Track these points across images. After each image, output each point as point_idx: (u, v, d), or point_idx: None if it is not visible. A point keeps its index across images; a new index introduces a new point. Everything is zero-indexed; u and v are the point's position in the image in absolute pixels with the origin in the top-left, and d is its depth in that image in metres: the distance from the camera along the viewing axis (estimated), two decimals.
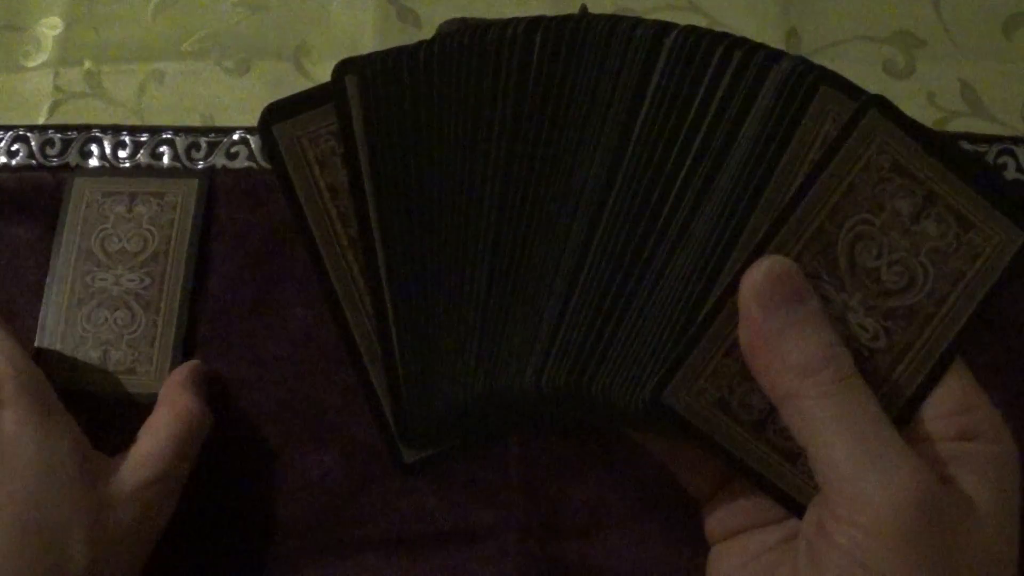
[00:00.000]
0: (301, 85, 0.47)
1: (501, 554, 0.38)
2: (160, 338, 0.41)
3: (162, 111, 0.47)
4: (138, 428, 0.36)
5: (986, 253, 0.25)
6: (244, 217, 0.43)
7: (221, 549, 0.39)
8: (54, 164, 0.45)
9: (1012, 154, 0.44)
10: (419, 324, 0.28)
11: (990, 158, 0.44)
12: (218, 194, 0.44)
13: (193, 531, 0.38)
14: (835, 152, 0.25)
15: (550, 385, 0.26)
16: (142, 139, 0.45)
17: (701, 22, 0.47)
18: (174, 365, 0.40)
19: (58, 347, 0.41)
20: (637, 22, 0.27)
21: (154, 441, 0.35)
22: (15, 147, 0.46)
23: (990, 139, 0.44)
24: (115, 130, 0.46)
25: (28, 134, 0.46)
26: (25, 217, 0.44)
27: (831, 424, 0.24)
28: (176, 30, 0.48)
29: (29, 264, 0.43)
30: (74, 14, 0.49)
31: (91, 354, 0.41)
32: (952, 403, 0.26)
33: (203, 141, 0.45)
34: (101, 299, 0.42)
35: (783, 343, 0.25)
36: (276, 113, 0.27)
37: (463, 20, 0.44)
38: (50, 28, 0.49)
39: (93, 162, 0.45)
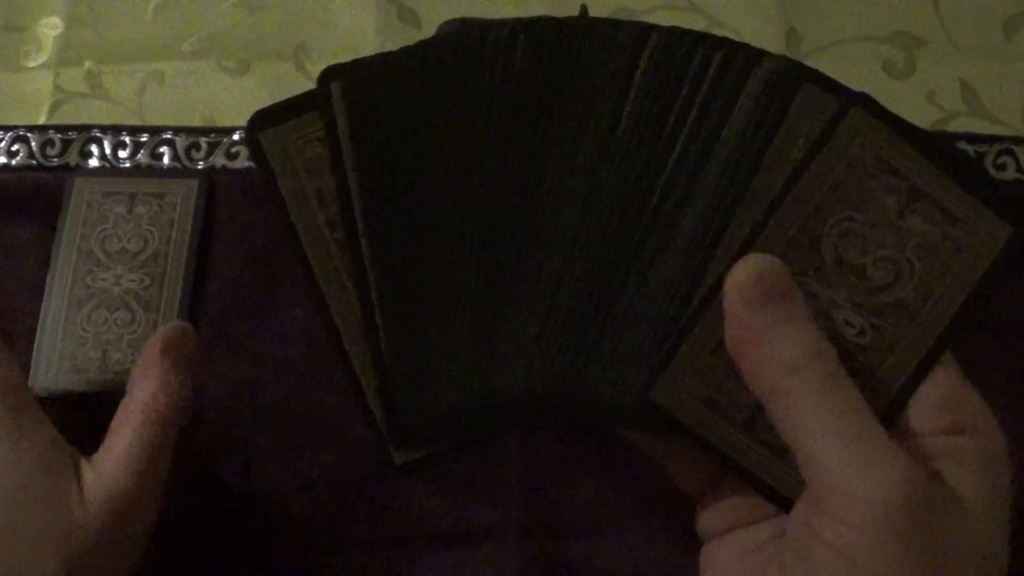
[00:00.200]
0: (301, 85, 0.47)
1: (501, 554, 0.38)
2: None
3: (162, 111, 0.47)
4: None
5: (973, 248, 0.25)
6: (244, 217, 0.43)
7: (221, 549, 0.39)
8: (54, 164, 0.45)
9: (1012, 154, 0.44)
10: (408, 326, 0.28)
11: (990, 158, 0.44)
12: (218, 194, 0.44)
13: (193, 531, 0.38)
14: (819, 150, 0.25)
15: (539, 384, 0.26)
16: (142, 139, 0.45)
17: (701, 22, 0.47)
18: None
19: (58, 347, 0.41)
20: (619, 24, 0.27)
21: (123, 441, 0.32)
22: (15, 147, 0.46)
23: (990, 139, 0.44)
24: (115, 130, 0.46)
25: (28, 134, 0.46)
26: (25, 217, 0.44)
27: (817, 421, 0.24)
28: (176, 30, 0.48)
29: (29, 264, 0.43)
30: (74, 14, 0.49)
31: (91, 354, 0.41)
32: (940, 397, 0.26)
33: (203, 141, 0.45)
34: (101, 299, 0.42)
35: (768, 340, 0.25)
36: (263, 120, 0.27)
37: (463, 20, 0.44)
38: (50, 28, 0.49)
39: (93, 162, 0.45)
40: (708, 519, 0.30)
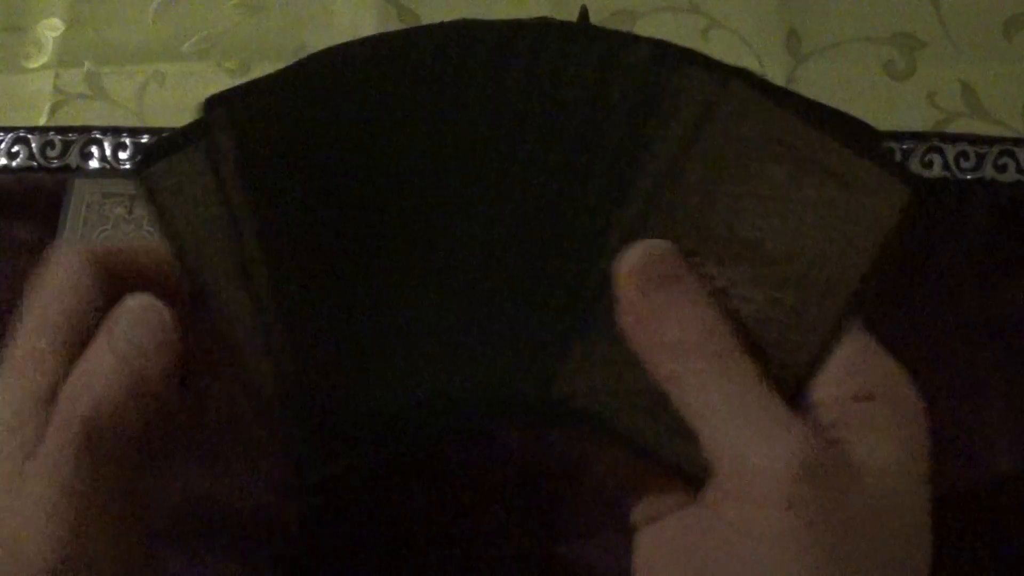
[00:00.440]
0: None
1: (501, 554, 0.38)
2: None
3: (163, 112, 0.47)
4: None
5: (871, 212, 0.25)
6: None
7: (220, 549, 0.39)
8: (54, 166, 0.45)
9: (1012, 155, 0.44)
10: (311, 350, 0.27)
11: (990, 159, 0.44)
12: None
13: (191, 531, 0.38)
14: (701, 128, 0.25)
15: (448, 385, 0.26)
16: (142, 140, 0.45)
17: (701, 22, 0.47)
18: None
19: None
20: (489, 25, 0.26)
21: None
22: (15, 149, 0.46)
23: (990, 140, 0.44)
24: (115, 132, 0.46)
25: (28, 136, 0.46)
26: (25, 219, 0.44)
27: (713, 402, 0.24)
28: (176, 31, 0.48)
29: (29, 265, 0.43)
30: (75, 15, 0.49)
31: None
32: (848, 365, 0.26)
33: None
34: None
35: (660, 325, 0.25)
36: (150, 156, 0.26)
37: (463, 20, 0.44)
38: (51, 29, 0.49)
39: (93, 164, 0.45)
40: (638, 508, 0.29)
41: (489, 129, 0.27)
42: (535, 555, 0.38)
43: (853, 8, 0.48)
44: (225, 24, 0.49)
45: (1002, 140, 0.44)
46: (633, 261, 0.25)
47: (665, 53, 0.26)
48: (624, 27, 0.47)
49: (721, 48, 0.47)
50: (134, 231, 0.43)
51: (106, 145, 0.45)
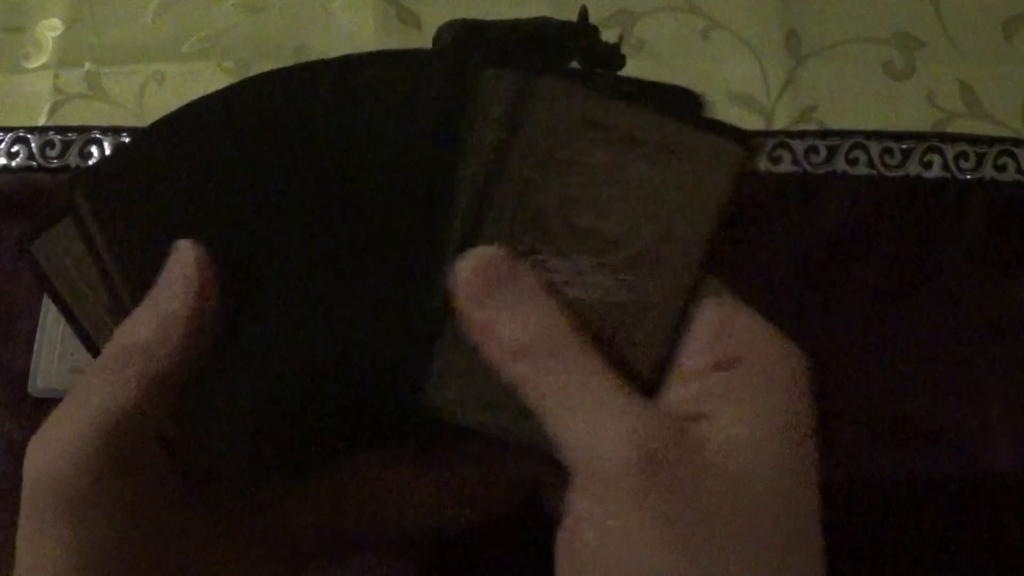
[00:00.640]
0: None
1: (501, 554, 0.38)
2: None
3: (162, 112, 0.46)
4: None
5: (704, 176, 0.24)
6: None
7: None
8: (54, 166, 0.45)
9: (1012, 155, 0.44)
10: (199, 398, 0.27)
11: (990, 159, 0.44)
12: None
13: None
14: (516, 128, 0.25)
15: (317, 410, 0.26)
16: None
17: (700, 22, 0.47)
18: None
19: (58, 348, 0.41)
20: (291, 71, 0.27)
21: None
22: (15, 149, 0.46)
23: (990, 140, 0.44)
24: (115, 132, 0.46)
25: (28, 136, 0.46)
26: (25, 219, 0.44)
27: (556, 399, 0.24)
28: (176, 31, 0.48)
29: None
30: (74, 15, 0.49)
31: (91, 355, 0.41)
32: (710, 332, 0.25)
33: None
34: None
35: (498, 330, 0.25)
36: (33, 231, 0.27)
37: (463, 21, 0.44)
38: (50, 29, 0.49)
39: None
40: (551, 505, 0.29)
41: (329, 164, 0.27)
42: (536, 555, 0.38)
43: (853, 8, 0.48)
44: (225, 24, 0.49)
45: (1002, 140, 0.44)
46: (462, 273, 0.25)
47: (466, 62, 0.26)
48: (624, 27, 0.47)
49: (721, 48, 0.47)
50: None
51: (106, 145, 0.45)
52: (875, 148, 0.44)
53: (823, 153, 0.44)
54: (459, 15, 0.44)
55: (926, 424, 0.40)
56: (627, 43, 0.46)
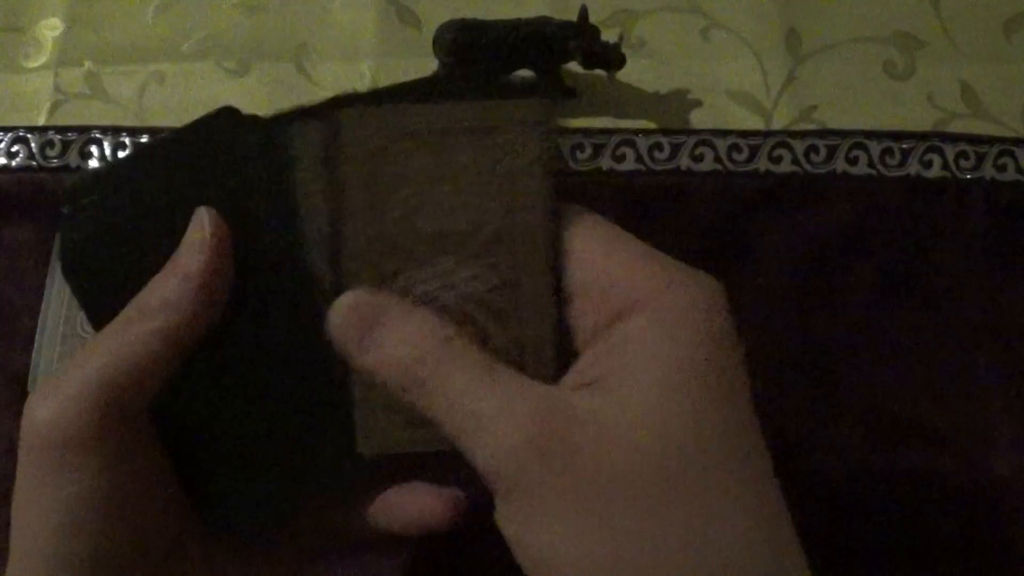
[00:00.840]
0: (301, 86, 0.47)
1: (502, 553, 0.38)
2: None
3: (162, 112, 0.47)
4: None
5: (521, 139, 0.25)
6: None
7: None
8: (54, 165, 0.45)
9: (1012, 155, 0.44)
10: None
11: (990, 159, 0.44)
12: None
13: None
14: (336, 166, 0.25)
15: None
16: (142, 140, 0.45)
17: (701, 22, 0.47)
18: None
19: (57, 349, 0.41)
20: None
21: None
22: (15, 148, 0.46)
23: (990, 140, 0.44)
24: (115, 131, 0.46)
25: (28, 135, 0.46)
26: (25, 219, 0.44)
27: (448, 408, 0.24)
28: (176, 31, 0.48)
29: (29, 265, 0.43)
30: (74, 15, 0.49)
31: None
32: (596, 290, 0.25)
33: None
34: None
35: (384, 363, 0.25)
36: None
37: (463, 21, 0.44)
38: (50, 29, 0.49)
39: (93, 163, 0.45)
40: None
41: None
42: None
43: (853, 8, 0.48)
44: (225, 24, 0.49)
45: (1002, 140, 0.44)
46: (334, 328, 0.25)
47: (275, 119, 0.26)
48: (624, 27, 0.47)
49: (721, 48, 0.47)
50: None
51: (106, 145, 0.45)
52: (875, 148, 0.44)
53: (823, 153, 0.44)
54: (459, 15, 0.44)
55: (926, 424, 0.40)
56: (627, 43, 0.46)
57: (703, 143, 0.44)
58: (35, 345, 0.41)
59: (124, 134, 0.46)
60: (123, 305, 0.26)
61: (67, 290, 0.42)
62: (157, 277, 0.26)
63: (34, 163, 0.45)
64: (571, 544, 0.22)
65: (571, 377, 0.25)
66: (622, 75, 0.45)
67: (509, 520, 0.24)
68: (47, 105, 0.47)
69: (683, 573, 0.22)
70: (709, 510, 0.22)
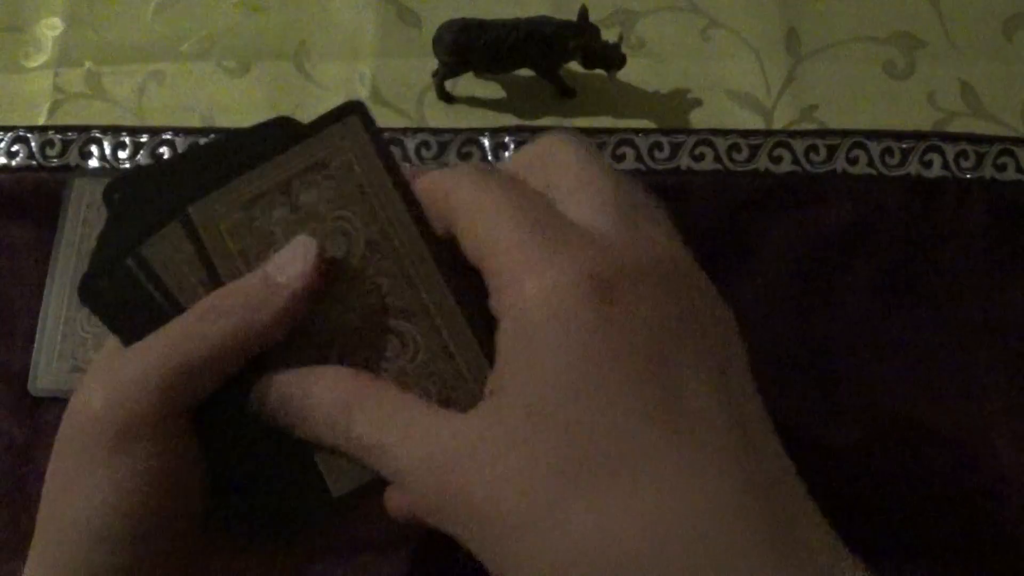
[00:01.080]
0: (301, 85, 0.47)
1: None
2: None
3: (162, 112, 0.47)
4: None
5: (353, 158, 0.27)
6: None
7: None
8: (54, 165, 0.45)
9: (1012, 155, 0.44)
10: None
11: (990, 158, 0.44)
12: None
13: None
14: (203, 252, 0.27)
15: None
16: (142, 140, 0.45)
17: (701, 22, 0.47)
18: None
19: (58, 348, 0.41)
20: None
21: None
22: (15, 148, 0.46)
23: (990, 140, 0.44)
24: (115, 131, 0.46)
25: (28, 135, 0.46)
26: (25, 218, 0.44)
27: (367, 451, 0.24)
28: (176, 31, 0.48)
29: (29, 264, 0.43)
30: (74, 15, 0.49)
31: (91, 355, 0.41)
32: (487, 278, 0.24)
33: (203, 142, 0.45)
34: None
35: (301, 431, 0.26)
36: (138, 235, 0.28)
37: (463, 21, 0.44)
38: (50, 29, 0.49)
39: (93, 163, 0.45)
40: None
41: None
42: None
43: (853, 8, 0.48)
44: (225, 24, 0.49)
45: (1002, 140, 0.44)
46: (262, 410, 0.26)
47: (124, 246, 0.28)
48: (624, 27, 0.47)
49: (721, 47, 0.47)
50: None
51: (105, 144, 0.45)
52: (875, 148, 0.44)
53: (823, 153, 0.44)
54: (459, 15, 0.44)
55: (926, 423, 0.40)
56: (627, 43, 0.46)
57: (703, 143, 0.44)
58: (35, 345, 0.41)
59: (124, 134, 0.46)
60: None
61: (67, 290, 0.42)
62: (238, 282, 0.26)
63: (34, 163, 0.45)
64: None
65: (490, 380, 0.25)
66: (622, 75, 0.45)
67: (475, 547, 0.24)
68: (47, 105, 0.47)
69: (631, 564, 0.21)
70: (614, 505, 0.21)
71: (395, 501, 0.25)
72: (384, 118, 0.45)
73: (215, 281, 0.27)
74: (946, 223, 0.43)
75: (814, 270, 0.42)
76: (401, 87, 0.47)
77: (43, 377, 0.41)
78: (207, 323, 0.26)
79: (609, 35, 0.44)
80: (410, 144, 0.45)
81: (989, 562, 0.38)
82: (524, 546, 0.21)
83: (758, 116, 0.45)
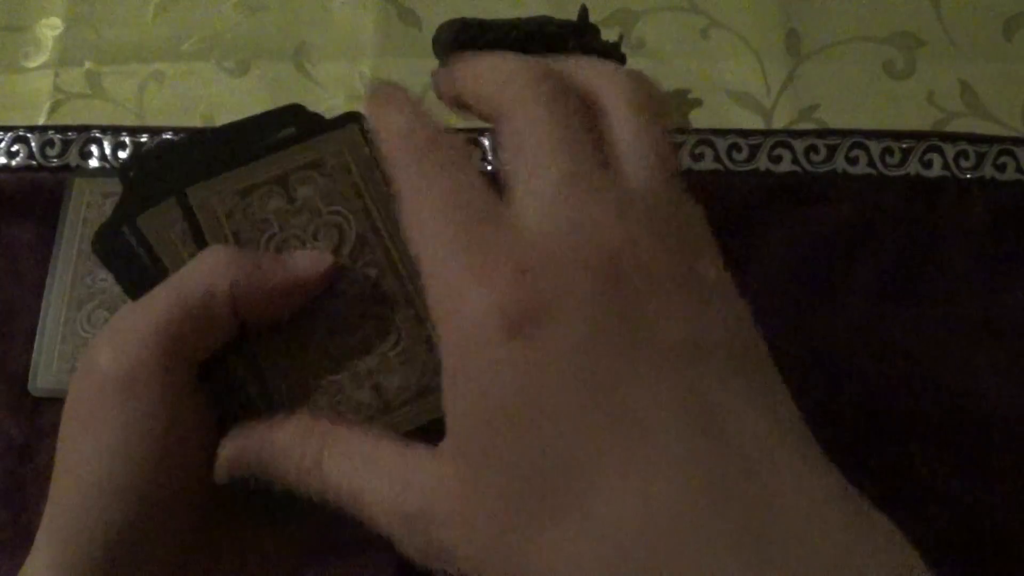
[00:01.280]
0: (301, 85, 0.47)
1: None
2: None
3: (162, 112, 0.47)
4: None
5: (347, 161, 0.29)
6: None
7: None
8: (54, 165, 0.45)
9: (1012, 155, 0.44)
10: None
11: (990, 158, 0.44)
12: None
13: None
14: (200, 236, 0.28)
15: None
16: (142, 140, 0.45)
17: (701, 22, 0.47)
18: None
19: (58, 348, 0.41)
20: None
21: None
22: (15, 148, 0.46)
23: (990, 139, 0.44)
24: (115, 131, 0.46)
25: (28, 135, 0.46)
26: (25, 218, 0.44)
27: (343, 495, 0.24)
28: (176, 30, 0.48)
29: (29, 264, 0.43)
30: (74, 14, 0.49)
31: None
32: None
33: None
34: (102, 300, 0.42)
35: (275, 477, 0.26)
36: (132, 208, 0.29)
37: (463, 21, 0.44)
38: (50, 28, 0.49)
39: (93, 163, 0.45)
40: None
41: None
42: None
43: (853, 8, 0.48)
44: (225, 24, 0.49)
45: (1002, 140, 0.44)
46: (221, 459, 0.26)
47: (124, 214, 0.29)
48: (624, 26, 0.47)
49: (721, 47, 0.47)
50: None
51: (106, 144, 0.45)
52: (875, 147, 0.44)
53: (823, 153, 0.44)
54: (459, 15, 0.44)
55: (926, 423, 0.40)
56: (627, 42, 0.46)
57: (703, 142, 0.44)
58: (35, 345, 0.41)
59: (124, 133, 0.46)
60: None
61: (67, 290, 0.42)
62: (252, 252, 0.27)
63: (34, 163, 0.45)
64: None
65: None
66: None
67: None
68: (47, 105, 0.47)
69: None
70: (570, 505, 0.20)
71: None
72: None
73: None
74: (946, 223, 0.43)
75: (814, 270, 0.42)
76: None
77: (43, 377, 0.41)
78: (213, 276, 0.26)
79: (609, 35, 0.44)
80: None
81: (989, 562, 0.38)
82: None
83: (758, 116, 0.45)
